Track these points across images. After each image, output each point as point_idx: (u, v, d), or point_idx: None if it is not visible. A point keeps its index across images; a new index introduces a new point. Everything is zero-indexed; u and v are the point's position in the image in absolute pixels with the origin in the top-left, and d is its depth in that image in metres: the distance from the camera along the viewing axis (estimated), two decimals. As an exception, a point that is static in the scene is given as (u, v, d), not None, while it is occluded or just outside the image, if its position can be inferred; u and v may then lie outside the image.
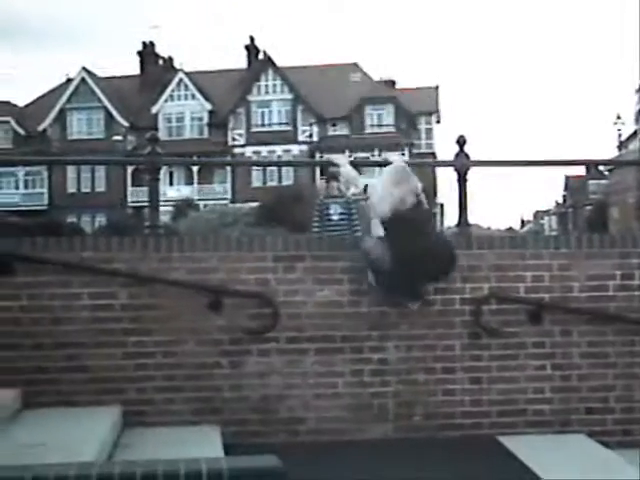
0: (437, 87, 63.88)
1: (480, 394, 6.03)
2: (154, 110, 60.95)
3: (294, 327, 5.97)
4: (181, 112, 61.62)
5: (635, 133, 66.76)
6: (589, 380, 6.11)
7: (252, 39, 65.86)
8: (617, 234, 6.90)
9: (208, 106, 61.36)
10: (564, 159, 7.00)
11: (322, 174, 55.53)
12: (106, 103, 60.70)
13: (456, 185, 6.60)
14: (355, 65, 64.42)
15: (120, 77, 63.80)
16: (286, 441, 5.77)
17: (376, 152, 56.21)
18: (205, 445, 5.25)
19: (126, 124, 60.05)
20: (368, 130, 59.93)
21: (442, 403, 6.02)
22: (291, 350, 5.97)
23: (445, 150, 53.28)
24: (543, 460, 5.13)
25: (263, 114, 61.28)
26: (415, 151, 58.52)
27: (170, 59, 65.86)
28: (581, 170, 69.07)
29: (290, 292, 6.01)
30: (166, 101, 61.54)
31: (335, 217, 9.83)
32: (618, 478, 4.97)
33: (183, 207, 35.16)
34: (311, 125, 60.55)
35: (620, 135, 57.16)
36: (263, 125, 60.96)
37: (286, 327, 5.95)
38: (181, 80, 61.75)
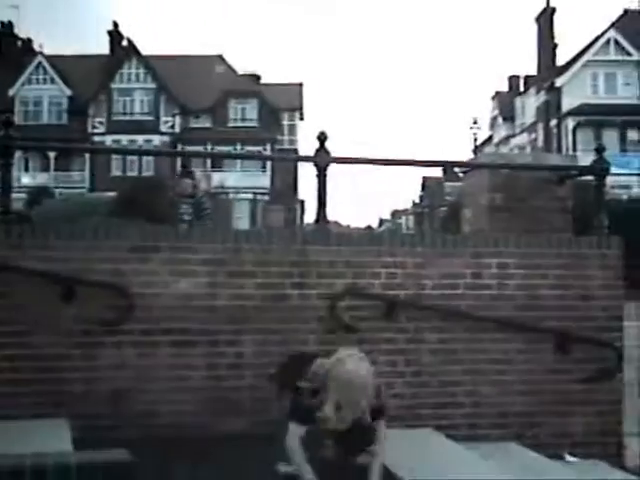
0: (301, 84, 64.39)
1: (331, 389, 6.09)
2: (11, 93, 58.81)
3: (149, 319, 5.88)
4: (39, 96, 59.73)
5: (490, 138, 69.18)
6: (439, 376, 6.28)
7: (116, 25, 64.49)
8: (469, 234, 7.11)
9: (68, 92, 59.71)
10: (421, 159, 7.17)
11: (183, 165, 55.13)
12: (-43, 83, 58.25)
13: (316, 181, 6.66)
14: (220, 57, 64.04)
15: (-26, 57, 61.29)
16: (139, 435, 5.67)
17: (238, 146, 56.16)
18: (53, 439, 5.10)
19: (-21, 106, 57.81)
20: (231, 124, 59.73)
21: (296, 397, 6.05)
22: (146, 343, 5.88)
23: (308, 147, 53.74)
24: (391, 452, 5.24)
25: (125, 103, 60.16)
26: (278, 147, 58.72)
27: (29, 40, 63.70)
28: (438, 172, 70.98)
29: (146, 283, 5.92)
30: (23, 84, 59.49)
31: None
32: (462, 465, 5.14)
33: (38, 194, 34.07)
34: (174, 116, 59.86)
35: (476, 139, 59.08)
36: (125, 114, 59.83)
37: (141, 319, 5.86)
38: (40, 63, 59.84)
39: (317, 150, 6.59)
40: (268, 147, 57.65)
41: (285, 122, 63.02)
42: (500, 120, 67.28)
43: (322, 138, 6.57)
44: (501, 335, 6.41)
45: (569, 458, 6.35)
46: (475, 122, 56.16)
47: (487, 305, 6.39)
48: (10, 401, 5.65)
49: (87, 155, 58.14)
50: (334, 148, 6.63)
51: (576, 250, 6.60)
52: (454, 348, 6.31)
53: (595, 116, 48.17)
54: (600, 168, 7.00)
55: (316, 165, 6.60)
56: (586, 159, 7.36)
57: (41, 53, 60.22)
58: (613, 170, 7.40)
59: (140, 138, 57.05)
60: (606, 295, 6.60)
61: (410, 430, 6.03)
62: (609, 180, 7.19)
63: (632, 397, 6.77)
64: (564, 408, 6.47)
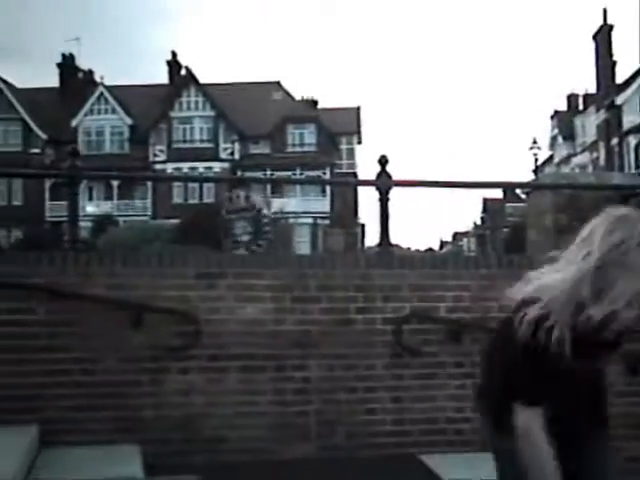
0: (359, 107, 64.52)
1: (401, 413, 6.08)
2: (74, 123, 60.05)
3: (216, 345, 5.93)
4: (101, 126, 60.90)
5: (550, 158, 68.54)
6: (507, 399, 6.20)
7: (174, 54, 65.55)
8: (535, 255, 7.04)
9: (129, 121, 60.77)
10: (483, 181, 7.14)
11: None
12: (23, 115, 59.56)
13: (378, 205, 6.67)
14: (277, 84, 64.62)
15: (39, 89, 62.64)
16: (208, 460, 5.71)
17: (297, 171, 56.44)
18: (124, 464, 5.16)
19: (44, 137, 59.04)
20: (290, 149, 60.14)
21: (364, 422, 6.04)
22: (213, 368, 5.92)
23: (366, 170, 53.79)
24: (463, 478, 5.20)
25: (185, 130, 60.95)
26: (336, 171, 58.88)
27: (90, 72, 65.00)
28: (499, 193, 70.40)
29: (212, 309, 5.97)
30: (86, 115, 60.70)
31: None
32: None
33: (102, 222, 34.64)
34: (233, 143, 60.46)
35: (536, 159, 58.53)
36: (185, 141, 60.61)
37: (208, 345, 5.90)
38: (101, 94, 61.03)
39: (379, 174, 6.61)
40: (327, 171, 57.83)
41: (343, 146, 63.17)
42: (560, 139, 66.64)
43: (383, 162, 6.59)
44: (570, 357, 6.30)
45: None
46: (535, 142, 55.60)
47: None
48: (81, 427, 5.73)
49: (149, 183, 59.00)
50: (394, 171, 6.65)
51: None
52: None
53: (658, 133, 47.40)
54: (667, 186, 6.89)
55: (378, 189, 6.61)
56: (651, 177, 7.24)
57: (102, 84, 61.39)
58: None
59: (200, 165, 57.71)
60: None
61: (484, 454, 5.94)
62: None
63: None
64: (634, 432, 6.33)
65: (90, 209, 51.84)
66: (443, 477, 5.26)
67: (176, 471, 3.63)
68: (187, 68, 62.85)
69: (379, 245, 6.72)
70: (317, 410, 6.00)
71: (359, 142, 64.23)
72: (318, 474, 5.45)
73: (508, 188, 47.34)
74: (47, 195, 57.51)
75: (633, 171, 42.41)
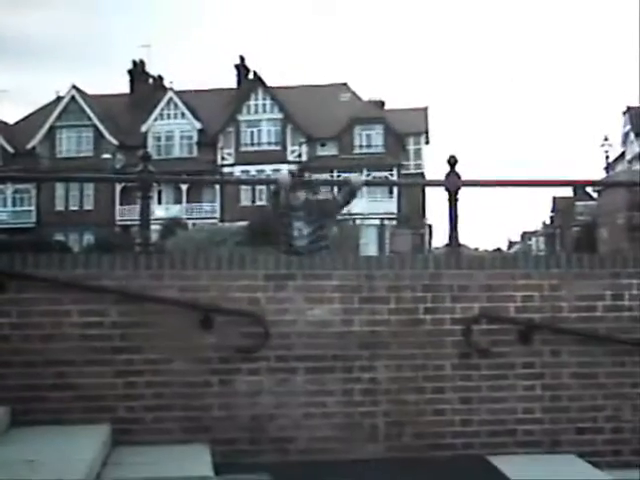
0: (426, 108, 64.17)
1: (470, 414, 6.03)
2: (144, 129, 60.97)
3: (284, 346, 5.96)
4: (170, 131, 61.70)
5: (622, 154, 67.31)
6: (579, 400, 6.12)
7: (242, 59, 66.07)
8: (606, 254, 6.93)
9: (197, 125, 61.46)
10: (551, 180, 7.05)
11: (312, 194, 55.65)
12: (95, 121, 60.73)
13: (446, 205, 6.63)
14: (344, 85, 64.66)
15: (110, 95, 63.77)
16: (276, 460, 5.75)
17: (365, 172, 56.40)
18: (195, 464, 5.22)
19: (115, 142, 60.08)
20: (357, 150, 60.12)
21: (432, 423, 6.01)
22: (281, 369, 5.96)
23: (434, 171, 53.46)
24: (531, 478, 5.15)
25: (252, 133, 61.41)
26: (404, 172, 58.66)
27: (160, 78, 65.96)
28: (568, 191, 69.45)
29: (281, 311, 6.01)
30: (155, 120, 61.59)
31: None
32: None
33: (172, 225, 35.05)
34: (300, 145, 60.68)
35: (607, 157, 57.54)
36: (252, 144, 61.07)
37: (276, 346, 5.94)
38: (171, 99, 61.84)
39: (447, 174, 6.58)
40: (394, 172, 57.65)
41: (411, 147, 62.92)
42: (632, 136, 65.34)
43: (452, 162, 6.55)
44: (643, 358, 6.19)
45: None
46: (606, 139, 54.71)
47: (628, 327, 6.19)
48: (152, 427, 5.82)
49: (217, 186, 59.54)
50: (462, 171, 6.60)
51: None
52: (594, 372, 6.13)
53: None
54: None
55: (447, 189, 6.58)
56: None
57: (172, 89, 62.20)
58: None
59: (268, 168, 57.99)
60: None
61: (552, 456, 5.89)
62: None
63: None
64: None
65: (160, 212, 52.51)
66: (510, 477, 5.20)
67: (245, 470, 3.65)
68: (255, 72, 63.36)
69: (448, 245, 6.69)
70: (385, 411, 5.99)
71: (427, 142, 63.88)
72: (385, 474, 5.44)
73: (579, 186, 46.65)
74: (117, 199, 58.49)
75: None
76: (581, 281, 6.21)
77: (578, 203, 64.35)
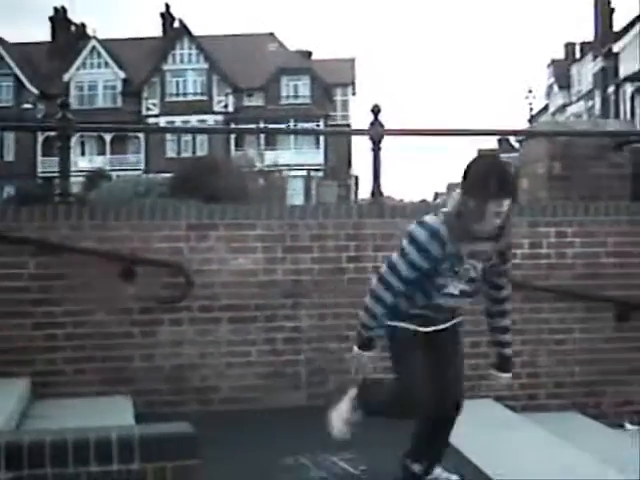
0: (353, 59, 64.02)
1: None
2: (66, 78, 59.62)
3: (207, 296, 5.95)
4: (94, 80, 60.49)
5: (546, 107, 68.24)
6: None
7: (167, 7, 64.84)
8: (525, 204, 7.03)
9: (121, 74, 60.35)
10: (475, 129, 7.10)
11: (237, 145, 55.33)
12: (16, 70, 59.07)
13: (371, 155, 6.64)
14: (271, 35, 64.09)
15: (31, 44, 62.04)
16: (199, 410, 5.76)
17: (291, 123, 56.18)
18: (116, 415, 5.20)
19: (36, 92, 58.61)
20: (284, 101, 59.83)
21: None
22: (204, 319, 5.95)
23: (361, 122, 53.52)
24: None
25: (178, 83, 60.61)
26: (331, 123, 58.62)
27: (83, 26, 64.40)
28: (494, 143, 70.21)
29: (204, 261, 5.98)
30: (78, 69, 60.27)
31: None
32: (522, 436, 5.21)
33: (95, 177, 34.51)
34: (227, 95, 60.11)
35: (531, 109, 58.27)
36: (178, 95, 60.28)
37: (199, 296, 5.92)
38: (94, 47, 60.51)
39: (371, 123, 6.57)
40: (321, 123, 57.60)
41: (338, 98, 62.84)
42: (556, 88, 66.27)
43: (376, 111, 6.55)
44: (560, 304, 6.34)
45: (629, 426, 6.27)
46: (530, 91, 55.41)
47: (546, 274, 6.33)
48: (73, 379, 5.78)
49: (142, 138, 58.73)
50: (388, 122, 6.60)
51: (635, 217, 6.49)
52: (513, 318, 6.24)
53: (654, 81, 47.15)
54: (659, 133, 6.87)
55: (370, 138, 6.58)
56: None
57: (95, 37, 60.82)
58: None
59: (193, 118, 57.42)
60: (667, 261, 6.48)
61: (470, 401, 6.00)
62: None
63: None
64: (624, 377, 6.39)
65: (83, 164, 51.64)
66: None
67: (167, 420, 3.65)
68: (180, 20, 62.27)
69: (371, 194, 6.70)
70: (307, 359, 6.04)
71: (354, 94, 63.86)
72: (308, 421, 5.48)
73: (503, 138, 47.21)
74: (39, 150, 57.26)
75: (629, 119, 42.19)
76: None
77: (502, 155, 65.14)
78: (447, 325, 4.33)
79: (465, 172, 3.87)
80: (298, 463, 4.74)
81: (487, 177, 3.75)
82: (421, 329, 4.15)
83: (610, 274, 6.41)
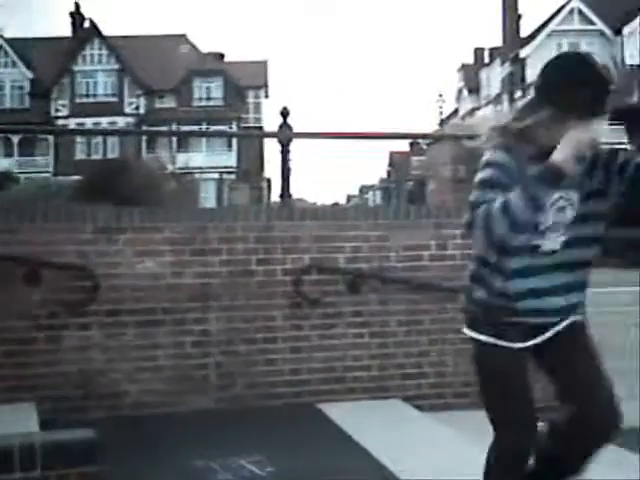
0: (265, 61, 64.01)
1: (300, 363, 6.14)
2: (-29, 77, 58.11)
3: (115, 300, 5.88)
4: (0, 80, 59.04)
5: (456, 111, 69.36)
6: (405, 347, 6.33)
7: (77, 6, 63.70)
8: (432, 206, 7.16)
9: (29, 74, 59.04)
10: (382, 132, 7.20)
11: (149, 147, 54.74)
12: None
13: (280, 157, 6.68)
14: (183, 37, 63.60)
15: None
16: (106, 416, 5.69)
17: (204, 125, 55.85)
18: (20, 422, 5.09)
19: (-60, 92, 57.00)
20: (196, 103, 59.45)
21: (263, 373, 6.09)
22: (111, 323, 5.88)
23: (273, 125, 53.49)
24: (357, 423, 5.33)
25: (88, 84, 59.63)
26: (243, 125, 58.49)
27: (-12, 24, 62.90)
28: (405, 146, 71.06)
29: (111, 264, 5.91)
30: (-16, 68, 58.81)
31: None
32: (427, 434, 5.29)
33: (1, 179, 33.76)
34: (138, 97, 59.43)
35: (442, 112, 59.20)
36: (88, 96, 59.30)
37: (107, 300, 5.85)
38: (0, 47, 59.08)
39: (280, 126, 6.61)
40: (234, 126, 57.40)
41: (250, 100, 62.73)
42: (466, 93, 67.47)
43: (284, 114, 6.59)
44: (466, 305, 6.46)
45: None
46: (440, 95, 56.31)
47: (452, 275, 6.44)
48: (-23, 386, 5.65)
49: (51, 139, 57.62)
50: (302, 126, 6.66)
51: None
52: (419, 319, 6.36)
53: (559, 87, 48.40)
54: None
55: (279, 141, 6.62)
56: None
57: (1, 36, 59.40)
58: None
59: (104, 120, 56.60)
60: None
61: (377, 401, 6.10)
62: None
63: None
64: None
65: (-11, 166, 50.39)
66: (339, 424, 5.36)
67: (74, 427, 3.61)
68: (90, 20, 61.28)
69: (280, 197, 6.74)
70: (216, 362, 6.02)
71: (266, 96, 63.84)
72: (217, 425, 5.49)
73: (415, 141, 47.86)
74: (-56, 152, 55.69)
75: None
76: (408, 232, 6.40)
77: (413, 158, 66.10)
78: (557, 330, 3.00)
79: (546, 71, 3.05)
80: (206, 466, 4.73)
81: (578, 80, 2.82)
82: (515, 345, 2.97)
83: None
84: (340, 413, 5.62)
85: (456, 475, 4.29)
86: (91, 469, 3.17)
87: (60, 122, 57.21)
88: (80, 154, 56.02)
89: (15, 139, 56.66)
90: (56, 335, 5.80)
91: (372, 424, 5.41)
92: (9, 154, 57.14)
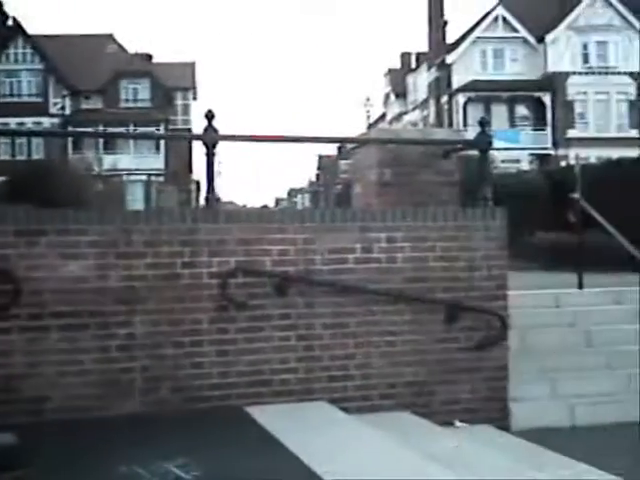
0: (193, 63, 63.66)
1: (227, 366, 6.14)
2: None
3: (37, 303, 5.79)
4: None
5: (383, 115, 69.94)
6: (331, 349, 6.37)
7: (0, 4, 62.47)
8: (357, 209, 7.22)
9: (-49, 74, 57.74)
10: (308, 136, 7.23)
11: (75, 148, 53.94)
12: None
13: (205, 159, 6.65)
14: (110, 36, 62.89)
15: None
16: (29, 421, 5.59)
17: (131, 127, 55.27)
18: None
19: None
20: (123, 104, 58.81)
21: (190, 376, 6.06)
22: (34, 327, 5.79)
23: (201, 127, 53.23)
24: (283, 425, 5.34)
25: (12, 84, 58.53)
26: (171, 127, 58.06)
27: None
28: (334, 150, 71.41)
29: (33, 267, 5.82)
30: None
31: None
32: (353, 436, 5.32)
33: None
34: (64, 97, 58.54)
35: (369, 117, 59.60)
36: (12, 96, 58.18)
37: (29, 303, 5.76)
38: None
39: (205, 128, 6.58)
40: (162, 127, 56.93)
41: (179, 102, 62.28)
42: (393, 97, 68.10)
43: (209, 116, 6.57)
44: (391, 307, 6.53)
45: (458, 424, 6.54)
46: (368, 99, 56.69)
47: (377, 278, 6.51)
48: None
49: (-26, 140, 56.38)
50: (231, 128, 6.64)
51: (462, 222, 6.77)
52: (345, 322, 6.41)
53: (484, 92, 49.24)
54: (483, 141, 7.18)
55: (204, 143, 6.59)
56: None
57: None
58: (501, 145, 7.62)
59: (29, 120, 55.57)
60: (491, 265, 6.79)
61: (303, 404, 6.12)
62: (501, 155, 7.39)
63: (516, 363, 6.99)
64: (452, 376, 6.66)
65: None
66: (266, 427, 5.36)
67: (-5, 432, 3.57)
68: (14, 18, 60.11)
69: (206, 200, 6.71)
70: (142, 366, 5.97)
71: (194, 98, 63.46)
72: (142, 429, 5.45)
73: (342, 145, 48.11)
74: None
75: (462, 128, 43.81)
76: (334, 234, 6.44)
77: (341, 161, 66.41)
78: None
79: None
80: (132, 471, 4.68)
81: None
82: None
83: (438, 277, 6.65)
84: (267, 416, 5.62)
85: (381, 476, 4.33)
86: (13, 474, 3.14)
87: (-18, 122, 56.02)
88: (3, 155, 54.94)
89: None
90: (-23, 339, 5.68)
91: (298, 427, 5.43)
92: None
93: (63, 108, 58.59)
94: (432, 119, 54.47)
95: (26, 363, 5.78)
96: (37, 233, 5.85)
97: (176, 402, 6.02)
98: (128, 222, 6.13)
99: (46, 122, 56.89)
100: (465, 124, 47.27)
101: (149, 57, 63.40)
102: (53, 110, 58.33)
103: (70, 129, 54.81)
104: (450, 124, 49.40)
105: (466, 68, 50.53)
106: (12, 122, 54.72)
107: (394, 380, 6.56)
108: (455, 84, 50.84)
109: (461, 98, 50.07)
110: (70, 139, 56.38)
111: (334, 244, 6.42)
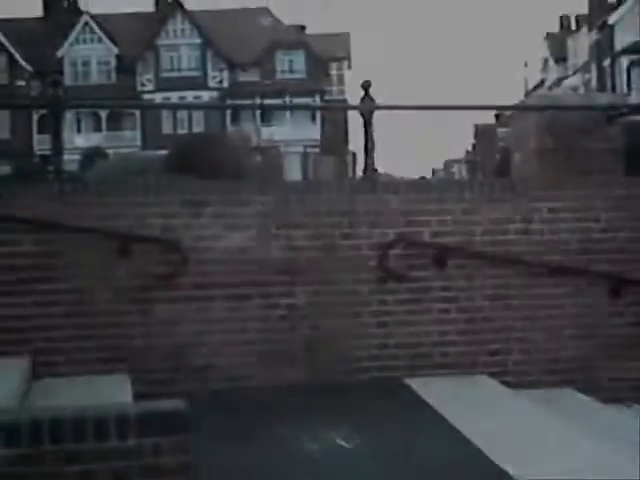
0: (348, 33, 63.81)
1: (387, 338, 6.15)
2: (59, 54, 59.31)
3: (202, 273, 5.96)
4: (87, 56, 60.17)
5: (542, 81, 68.07)
6: (491, 322, 6.28)
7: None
8: (517, 179, 7.06)
9: (115, 50, 60.07)
10: (468, 104, 7.11)
11: (233, 120, 55.17)
12: (8, 46, 58.69)
13: (362, 130, 6.65)
14: (265, 9, 63.75)
15: (23, 19, 61.63)
16: (196, 388, 5.79)
17: (287, 98, 56.03)
18: (115, 393, 5.24)
19: (30, 69, 58.30)
20: (279, 76, 59.62)
21: (350, 347, 6.11)
22: (199, 297, 5.96)
23: (356, 97, 53.37)
24: (446, 400, 5.32)
25: (172, 59, 60.34)
26: (327, 98, 58.49)
27: (75, 1, 63.93)
28: (491, 118, 70.08)
29: (197, 237, 5.99)
30: (72, 45, 59.93)
31: None
32: (516, 414, 5.22)
33: (92, 154, 34.44)
34: (221, 71, 59.87)
35: (527, 83, 58.10)
36: (172, 70, 60.04)
37: (194, 273, 5.93)
38: (87, 23, 60.18)
39: (362, 98, 6.57)
40: (317, 98, 57.45)
41: (333, 72, 62.60)
42: (552, 62, 66.08)
43: (366, 86, 6.55)
44: (553, 280, 6.37)
45: (636, 406, 6.26)
46: (526, 65, 55.23)
47: (538, 250, 6.36)
48: (72, 358, 5.80)
49: (138, 114, 58.52)
50: (385, 99, 6.61)
51: (626, 191, 6.52)
52: (505, 294, 6.30)
53: (649, 53, 47.14)
54: (651, 106, 6.87)
55: (361, 113, 6.59)
56: (640, 98, 7.21)
57: (87, 12, 60.45)
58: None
59: (189, 94, 57.25)
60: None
61: (464, 377, 6.07)
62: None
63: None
64: (618, 352, 6.43)
65: (79, 141, 51.46)
66: (426, 398, 5.36)
67: (164, 398, 3.72)
68: (173, -6, 61.87)
69: (364, 171, 6.72)
70: (303, 336, 6.07)
71: (349, 68, 63.63)
72: (303, 399, 5.55)
73: (495, 111, 47.11)
74: (35, 128, 56.97)
75: (625, 92, 42.17)
76: (493, 205, 6.32)
77: (499, 130, 65.07)
78: None
79: None
80: (294, 436, 4.78)
81: None
82: None
83: (602, 249, 6.43)
84: (427, 389, 5.59)
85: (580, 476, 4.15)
86: (183, 438, 3.26)
87: (146, 97, 58.07)
88: (166, 129, 56.81)
89: (103, 114, 57.75)
90: (147, 308, 5.90)
91: (462, 402, 5.38)
92: (98, 129, 58.31)
93: (221, 81, 59.93)
94: (594, 83, 52.61)
95: (193, 332, 5.97)
96: (202, 204, 6.01)
97: (336, 372, 6.08)
98: (288, 193, 6.21)
99: (205, 95, 58.40)
100: (629, 88, 45.44)
101: (303, 28, 63.94)
102: (212, 83, 59.78)
103: (228, 102, 56.06)
104: (613, 87, 47.57)
105: (629, 28, 48.42)
106: (173, 96, 56.54)
107: (555, 355, 6.40)
108: (618, 45, 48.85)
109: (624, 60, 48.09)
110: (228, 112, 57.69)
111: (493, 215, 6.30)
